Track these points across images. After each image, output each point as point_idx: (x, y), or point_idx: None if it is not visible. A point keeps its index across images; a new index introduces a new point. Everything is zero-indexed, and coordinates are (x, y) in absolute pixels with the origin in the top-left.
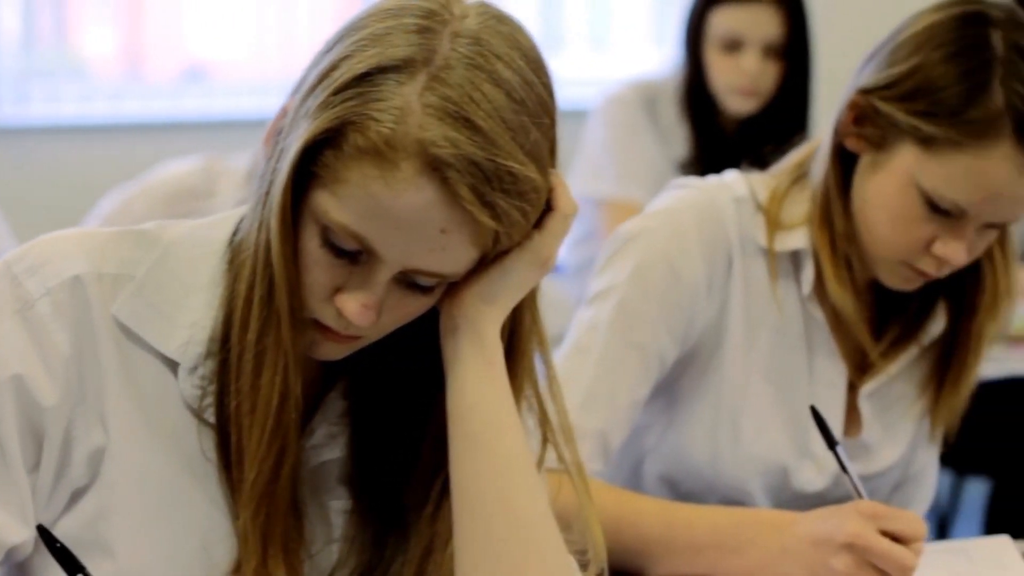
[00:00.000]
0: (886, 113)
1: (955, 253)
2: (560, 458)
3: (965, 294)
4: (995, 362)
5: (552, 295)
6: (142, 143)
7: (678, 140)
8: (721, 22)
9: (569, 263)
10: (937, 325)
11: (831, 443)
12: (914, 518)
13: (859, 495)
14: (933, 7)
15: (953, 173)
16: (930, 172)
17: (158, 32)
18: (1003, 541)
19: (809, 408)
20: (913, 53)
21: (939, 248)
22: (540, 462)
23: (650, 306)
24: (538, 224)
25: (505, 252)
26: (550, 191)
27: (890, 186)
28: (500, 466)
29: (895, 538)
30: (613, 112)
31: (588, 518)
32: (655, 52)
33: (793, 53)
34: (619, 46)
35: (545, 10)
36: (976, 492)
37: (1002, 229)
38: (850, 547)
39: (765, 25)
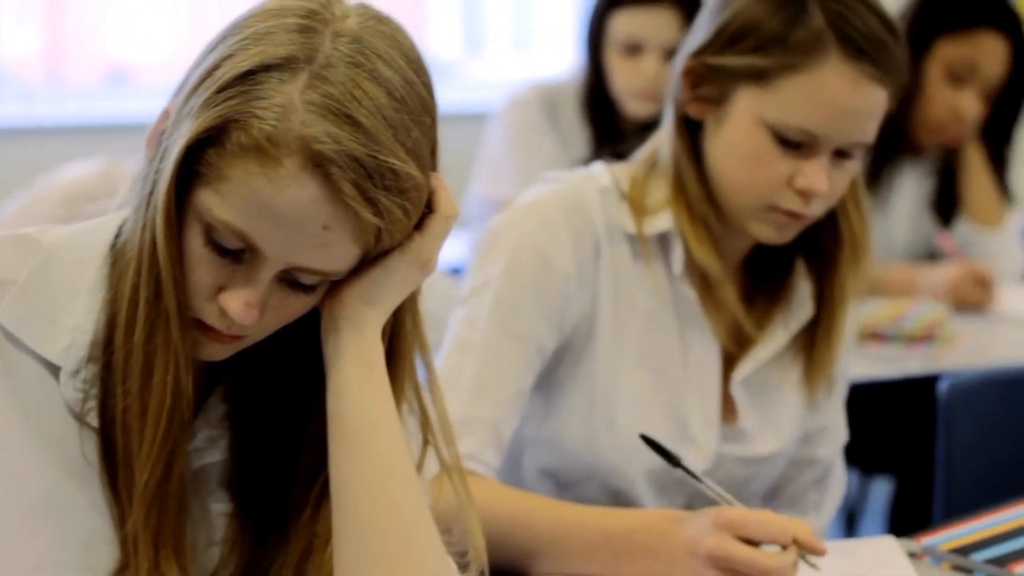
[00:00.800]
0: (719, 65)
1: (816, 181)
2: (441, 460)
3: (826, 253)
4: (894, 362)
5: (452, 296)
6: (61, 146)
7: (579, 142)
8: (621, 26)
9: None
10: (805, 310)
11: (673, 463)
12: (768, 520)
13: (724, 501)
14: None
15: (793, 99)
16: (772, 105)
17: (79, 35)
18: (888, 541)
19: (640, 436)
20: (728, 3)
21: (800, 181)
22: (420, 464)
23: (525, 297)
24: (419, 226)
25: (386, 253)
26: (431, 192)
27: (738, 134)
28: (378, 467)
29: (756, 542)
30: (514, 114)
31: (468, 520)
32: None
33: None
34: (541, 48)
35: (467, 12)
36: (883, 491)
37: (853, 183)
38: (711, 559)
39: (665, 29)
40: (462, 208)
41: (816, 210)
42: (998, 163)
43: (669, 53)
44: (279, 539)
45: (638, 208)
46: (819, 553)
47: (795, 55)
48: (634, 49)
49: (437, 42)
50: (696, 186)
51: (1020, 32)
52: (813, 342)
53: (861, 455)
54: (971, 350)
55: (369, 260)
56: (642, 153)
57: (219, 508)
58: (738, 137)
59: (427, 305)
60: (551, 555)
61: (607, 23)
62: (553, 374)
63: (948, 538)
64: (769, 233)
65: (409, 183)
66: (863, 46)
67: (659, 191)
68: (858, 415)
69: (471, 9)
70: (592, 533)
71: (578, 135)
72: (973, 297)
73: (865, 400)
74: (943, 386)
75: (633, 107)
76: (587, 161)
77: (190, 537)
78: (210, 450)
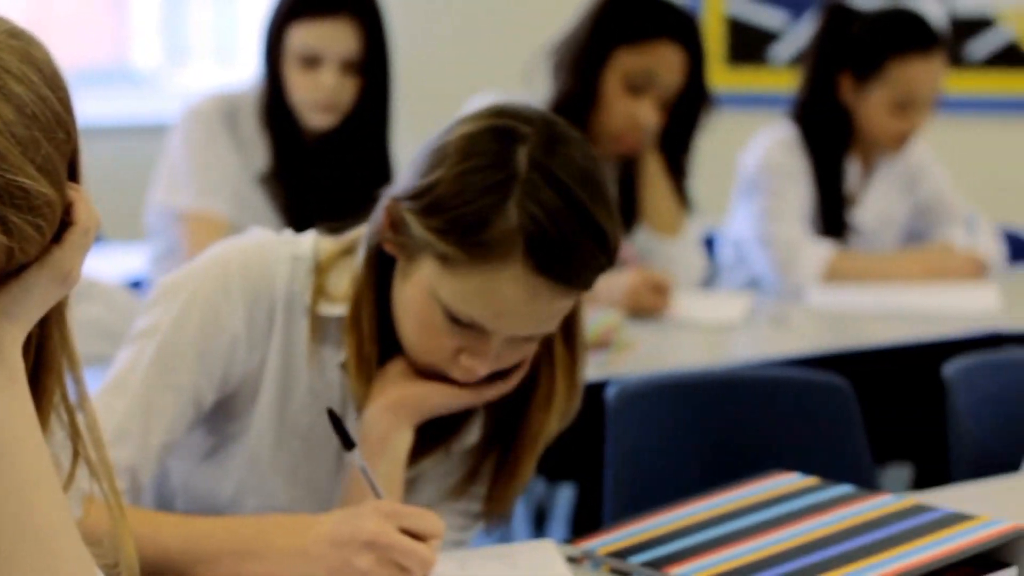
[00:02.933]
0: (410, 224)
1: (477, 366)
2: (92, 471)
3: (518, 392)
4: None
5: (130, 309)
6: None
7: (259, 153)
8: (298, 38)
9: (153, 276)
10: (471, 436)
11: (348, 445)
12: (432, 516)
13: (377, 495)
14: (472, 115)
15: (466, 290)
16: (446, 287)
17: None
18: (547, 546)
19: (327, 411)
20: (438, 165)
21: (464, 360)
22: (70, 477)
23: (189, 351)
24: (58, 239)
25: (24, 268)
26: (69, 205)
27: (416, 296)
28: (18, 482)
29: (415, 535)
30: (192, 124)
31: (120, 531)
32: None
33: (371, 68)
34: (244, 58)
35: (168, 22)
36: (568, 496)
37: (568, 325)
38: (371, 545)
39: (343, 41)
40: (143, 219)
41: (485, 374)
42: (677, 172)
43: (347, 64)
44: None
45: (318, 288)
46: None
47: (478, 252)
48: (312, 61)
49: (139, 52)
50: (370, 324)
51: (698, 43)
52: (496, 476)
53: (546, 461)
54: (646, 356)
55: (7, 275)
56: (349, 235)
57: None
58: (415, 299)
59: (104, 317)
60: (181, 566)
61: (285, 35)
62: (212, 428)
63: (608, 542)
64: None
65: (40, 200)
66: (551, 259)
67: (344, 280)
68: None
69: (173, 19)
70: (220, 539)
71: (258, 146)
72: (650, 304)
73: None
74: (610, 392)
75: (312, 119)
76: (267, 172)
77: None
78: None
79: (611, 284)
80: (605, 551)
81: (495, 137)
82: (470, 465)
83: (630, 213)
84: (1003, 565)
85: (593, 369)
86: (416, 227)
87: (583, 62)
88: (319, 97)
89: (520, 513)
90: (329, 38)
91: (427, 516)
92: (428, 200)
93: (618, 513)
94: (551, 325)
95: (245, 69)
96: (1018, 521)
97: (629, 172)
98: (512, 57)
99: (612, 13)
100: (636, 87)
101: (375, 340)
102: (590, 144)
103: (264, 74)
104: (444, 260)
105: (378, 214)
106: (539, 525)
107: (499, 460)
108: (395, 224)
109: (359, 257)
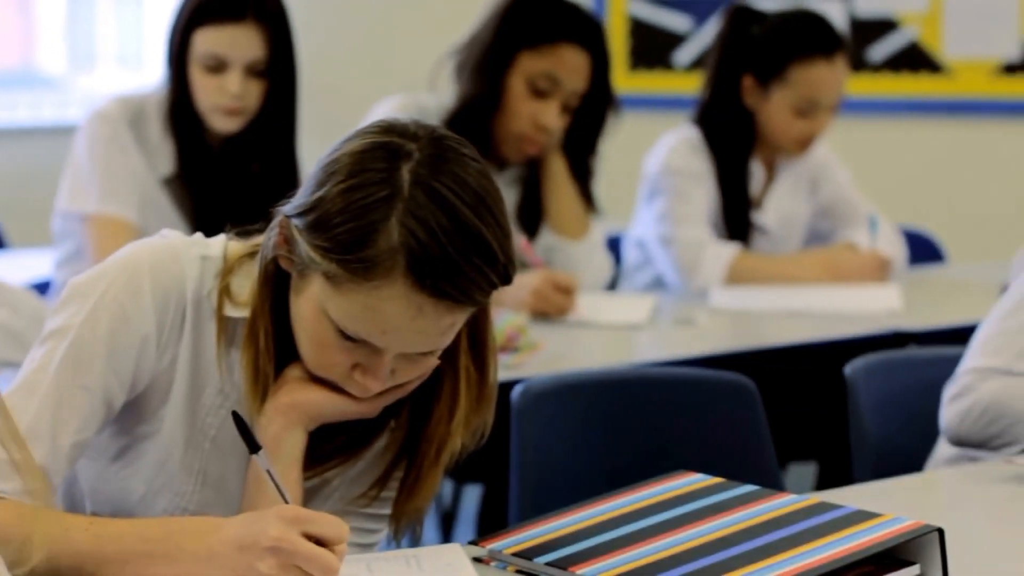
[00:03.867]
0: (298, 243)
1: (371, 383)
2: (17, 469)
3: (425, 400)
4: None
5: (38, 313)
6: None
7: (164, 156)
8: (204, 43)
9: (58, 280)
10: (382, 443)
11: (253, 448)
12: (336, 522)
13: (284, 499)
14: (361, 131)
15: (352, 308)
16: (333, 305)
17: None
18: (454, 548)
19: (232, 413)
20: (325, 182)
21: (358, 377)
22: None
23: (100, 351)
24: None
25: None
26: None
27: (308, 313)
28: None
29: (319, 541)
30: (96, 127)
31: (31, 530)
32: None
33: (276, 73)
34: (151, 64)
35: (74, 27)
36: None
37: (474, 334)
38: (274, 551)
39: (248, 46)
40: (50, 222)
41: (379, 391)
42: (581, 174)
43: (252, 68)
44: None
45: (225, 289)
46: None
47: (360, 270)
48: (217, 66)
49: (44, 56)
50: (266, 339)
51: (602, 46)
52: (403, 486)
53: (454, 464)
54: (552, 357)
55: None
56: (259, 238)
57: None
58: (307, 315)
59: (11, 321)
60: (90, 567)
61: (190, 39)
62: (122, 429)
63: (514, 542)
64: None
65: None
66: (434, 276)
67: (248, 284)
68: None
69: (79, 24)
70: (129, 541)
71: (163, 149)
72: (555, 305)
73: None
74: (515, 392)
75: (217, 123)
76: (173, 175)
77: None
78: None
79: (516, 285)
80: (511, 551)
81: (379, 155)
82: (379, 472)
83: (535, 216)
84: (906, 563)
85: (499, 370)
86: (303, 245)
87: (487, 65)
88: (224, 101)
89: (428, 515)
90: (234, 43)
91: (331, 521)
92: (313, 218)
93: (524, 513)
94: (443, 340)
95: (151, 73)
96: (920, 519)
97: (534, 175)
98: (418, 60)
99: (516, 16)
100: (540, 90)
101: (271, 355)
102: (482, 160)
103: (169, 78)
104: (329, 278)
105: (273, 230)
106: (447, 526)
107: (407, 470)
108: (287, 240)
109: (258, 262)
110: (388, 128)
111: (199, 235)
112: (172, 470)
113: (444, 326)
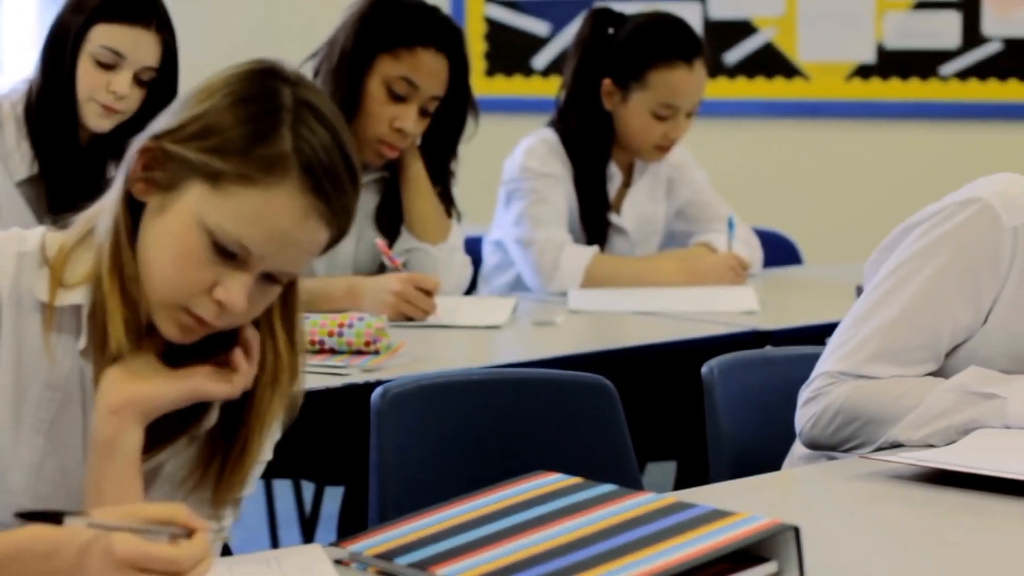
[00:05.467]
0: (176, 154)
1: (236, 298)
2: None
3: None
4: (337, 373)
5: None
6: None
7: (20, 159)
8: (104, 37)
9: None
10: (210, 420)
11: (57, 520)
12: (180, 553)
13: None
14: (229, 67)
15: (240, 210)
16: (217, 209)
17: None
18: (314, 549)
19: (15, 515)
20: (205, 99)
21: (220, 292)
22: None
23: None
24: None
25: None
26: None
27: (176, 226)
28: None
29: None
30: None
31: None
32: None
33: (162, 81)
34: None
35: None
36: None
37: (285, 301)
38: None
39: (147, 51)
40: None
41: (225, 323)
42: (441, 178)
43: (141, 76)
44: None
45: (56, 279)
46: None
47: (255, 169)
48: (111, 64)
49: None
50: (133, 266)
51: (461, 50)
52: (225, 462)
53: (315, 466)
54: (412, 359)
55: None
56: (79, 220)
57: None
58: (174, 229)
59: None
60: None
61: (88, 31)
62: None
63: (374, 543)
64: (173, 332)
65: None
66: (323, 183)
67: (82, 265)
68: (304, 426)
69: None
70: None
71: (19, 153)
72: (415, 307)
73: (312, 410)
74: (375, 394)
75: (92, 119)
76: (31, 176)
77: None
78: None
79: (376, 288)
80: (372, 553)
81: (259, 77)
82: (204, 452)
83: (395, 219)
84: (762, 560)
85: (359, 372)
86: (188, 152)
87: (345, 68)
88: (107, 99)
89: (289, 517)
90: (136, 45)
91: (173, 556)
92: (200, 126)
93: (384, 515)
94: (305, 262)
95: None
96: (777, 517)
97: (393, 178)
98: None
99: (374, 20)
100: (398, 94)
101: (139, 280)
102: None
103: (45, 66)
104: (217, 181)
105: (129, 159)
106: (308, 529)
107: (233, 442)
108: (151, 161)
109: (100, 227)
110: (258, 61)
111: (15, 230)
112: (1, 468)
113: (316, 244)
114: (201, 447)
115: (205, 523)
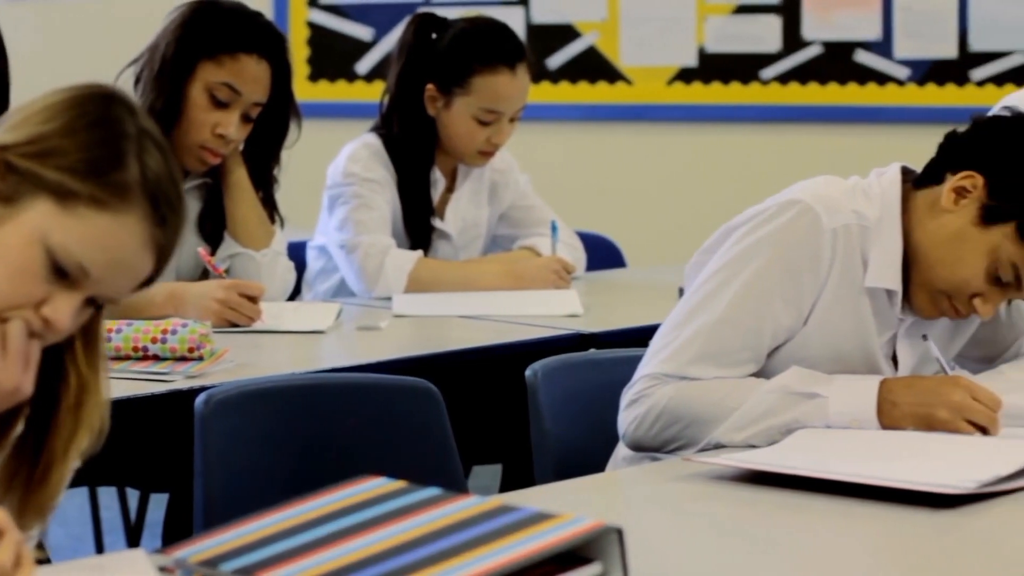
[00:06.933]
0: (24, 169)
1: (62, 317)
2: None
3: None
4: (160, 380)
5: None
6: None
7: None
8: None
9: None
10: (17, 428)
11: None
12: None
13: None
14: (63, 90)
15: (88, 233)
16: (64, 229)
17: None
18: (138, 555)
19: None
20: (50, 119)
21: (48, 310)
22: None
23: None
24: None
25: None
26: None
27: (15, 239)
28: None
29: None
30: None
31: None
32: None
33: None
34: None
35: None
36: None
37: (89, 324)
38: None
39: None
40: None
41: (47, 340)
42: (264, 183)
43: None
44: None
45: None
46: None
47: (108, 194)
48: None
49: None
50: None
51: (283, 56)
52: (29, 479)
53: (140, 473)
54: (236, 365)
55: None
56: None
57: None
58: (12, 242)
59: None
60: None
61: None
62: None
63: (199, 550)
64: None
65: None
66: (165, 213)
67: None
68: (128, 432)
69: None
70: None
71: None
72: (239, 313)
73: (135, 417)
74: (198, 400)
75: None
76: None
77: None
78: None
79: (200, 294)
80: (197, 559)
81: (104, 101)
82: (10, 465)
83: (218, 225)
84: (586, 561)
85: (183, 378)
86: (39, 168)
87: (167, 74)
88: None
89: (114, 524)
90: None
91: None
92: (49, 146)
93: (210, 522)
94: (128, 291)
95: None
96: (601, 518)
97: (216, 185)
98: (100, 69)
99: (196, 25)
100: (220, 100)
101: None
102: None
103: None
104: (67, 201)
105: None
106: (133, 536)
107: (35, 462)
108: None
109: None
110: (96, 85)
111: None
112: None
113: (144, 274)
114: (7, 459)
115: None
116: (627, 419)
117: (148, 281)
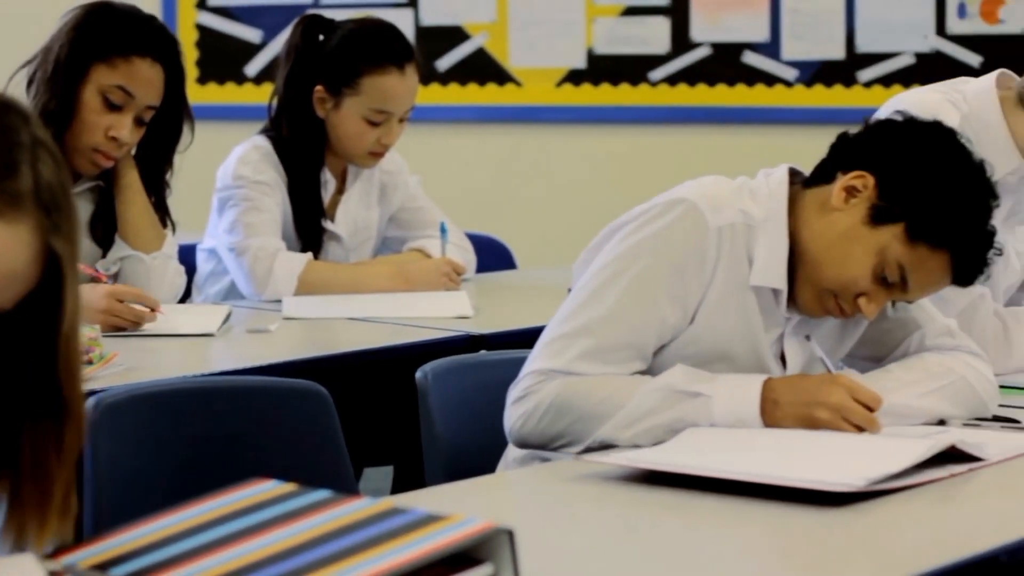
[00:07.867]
0: None
1: None
2: None
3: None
4: None
5: None
6: None
7: None
8: None
9: None
10: None
11: None
12: None
13: None
14: None
15: None
16: None
17: None
18: (27, 560)
19: None
20: None
21: None
22: None
23: None
24: None
25: None
26: None
27: None
28: None
29: None
30: None
31: None
32: None
33: None
34: None
35: None
36: None
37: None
38: None
39: None
40: None
41: None
42: (156, 187)
43: None
44: None
45: None
46: None
47: (5, 201)
48: None
49: None
50: None
51: (176, 59)
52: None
53: None
54: (125, 369)
55: None
56: None
57: None
58: None
59: None
60: None
61: None
62: None
63: (89, 554)
64: None
65: None
66: (58, 224)
67: None
68: None
69: None
70: None
71: None
72: (128, 317)
73: None
74: (88, 405)
75: None
76: None
77: None
78: None
79: (86, 298)
80: (87, 564)
81: None
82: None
83: (109, 227)
84: (477, 562)
85: None
86: None
87: (60, 77)
88: None
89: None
90: None
91: None
92: None
93: (100, 526)
94: (11, 302)
95: None
96: (492, 519)
97: (108, 187)
98: None
99: (90, 28)
100: (113, 103)
101: None
102: None
103: None
104: None
105: None
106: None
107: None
108: None
109: None
110: None
111: None
112: None
113: (30, 285)
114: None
115: None
116: (513, 415)
117: (41, 291)
